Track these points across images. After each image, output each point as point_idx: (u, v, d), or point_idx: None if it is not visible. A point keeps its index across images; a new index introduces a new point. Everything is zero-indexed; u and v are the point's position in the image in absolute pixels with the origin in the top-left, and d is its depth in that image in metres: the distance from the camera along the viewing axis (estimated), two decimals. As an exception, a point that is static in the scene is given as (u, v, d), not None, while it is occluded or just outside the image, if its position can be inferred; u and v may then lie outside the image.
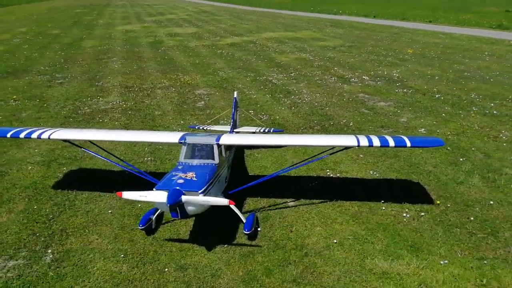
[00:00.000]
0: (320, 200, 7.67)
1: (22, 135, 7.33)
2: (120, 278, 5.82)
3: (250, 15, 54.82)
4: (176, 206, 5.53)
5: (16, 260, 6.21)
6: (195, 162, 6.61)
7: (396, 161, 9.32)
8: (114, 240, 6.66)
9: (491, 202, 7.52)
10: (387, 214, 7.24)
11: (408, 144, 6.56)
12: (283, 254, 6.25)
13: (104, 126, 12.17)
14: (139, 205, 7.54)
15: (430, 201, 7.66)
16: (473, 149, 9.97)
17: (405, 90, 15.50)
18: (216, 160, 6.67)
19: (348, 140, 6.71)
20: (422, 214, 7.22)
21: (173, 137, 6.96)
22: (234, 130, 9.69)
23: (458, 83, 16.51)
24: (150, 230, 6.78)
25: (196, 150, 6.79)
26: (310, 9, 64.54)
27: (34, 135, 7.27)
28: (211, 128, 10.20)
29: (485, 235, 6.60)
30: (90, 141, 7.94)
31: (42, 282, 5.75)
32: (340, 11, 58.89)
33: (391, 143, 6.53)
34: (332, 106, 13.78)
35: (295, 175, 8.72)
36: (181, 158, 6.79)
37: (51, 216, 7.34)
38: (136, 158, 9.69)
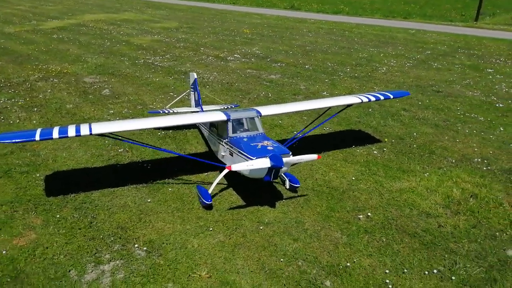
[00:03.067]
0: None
1: (55, 135, 6.36)
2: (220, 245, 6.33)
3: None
4: (278, 168, 6.36)
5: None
6: (246, 134, 7.31)
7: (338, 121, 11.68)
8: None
9: (415, 134, 10.71)
10: (363, 154, 9.51)
11: (391, 96, 8.91)
12: (330, 195, 7.75)
13: (19, 128, 10.50)
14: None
15: (379, 140, 10.33)
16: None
17: (279, 64, 18.07)
18: (262, 130, 7.52)
19: (352, 99, 8.57)
20: (384, 149, 9.80)
21: (219, 116, 7.38)
22: (204, 109, 10.22)
23: (308, 55, 20.11)
24: (211, 206, 7.21)
25: (244, 124, 7.45)
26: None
27: (71, 133, 6.43)
28: (176, 110, 10.34)
29: (427, 153, 9.63)
30: (113, 134, 7.29)
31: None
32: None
33: (381, 97, 8.72)
34: (238, 82, 15.18)
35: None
36: (230, 133, 7.35)
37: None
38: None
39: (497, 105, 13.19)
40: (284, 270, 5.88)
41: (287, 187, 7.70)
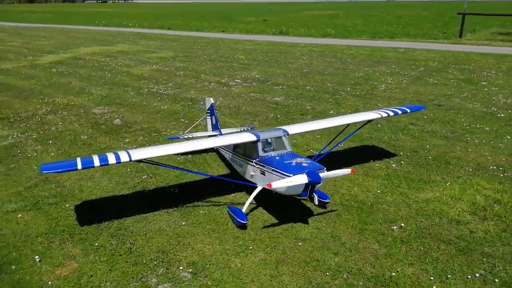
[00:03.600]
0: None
1: (96, 163, 6.47)
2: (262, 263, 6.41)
3: (33, 31, 49.04)
4: (315, 184, 6.54)
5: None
6: (276, 153, 7.51)
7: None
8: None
9: (427, 146, 11.02)
10: (382, 168, 9.75)
11: (408, 111, 9.26)
12: (359, 209, 7.91)
13: (38, 161, 10.52)
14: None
15: (394, 154, 10.60)
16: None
17: (280, 87, 18.47)
18: (290, 148, 7.73)
19: (372, 115, 8.87)
20: (402, 162, 10.05)
21: (249, 137, 7.59)
22: (222, 132, 10.42)
23: (307, 77, 20.61)
24: (246, 225, 7.30)
25: (273, 144, 7.66)
26: (95, 23, 61.88)
27: (112, 160, 6.55)
28: (195, 135, 10.52)
29: (444, 164, 9.91)
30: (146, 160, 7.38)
31: None
32: (130, 24, 58.88)
33: (399, 112, 9.05)
34: (245, 106, 15.46)
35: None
36: (260, 153, 7.54)
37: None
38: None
39: (498, 115, 13.66)
40: (331, 283, 5.97)
41: (316, 203, 7.81)
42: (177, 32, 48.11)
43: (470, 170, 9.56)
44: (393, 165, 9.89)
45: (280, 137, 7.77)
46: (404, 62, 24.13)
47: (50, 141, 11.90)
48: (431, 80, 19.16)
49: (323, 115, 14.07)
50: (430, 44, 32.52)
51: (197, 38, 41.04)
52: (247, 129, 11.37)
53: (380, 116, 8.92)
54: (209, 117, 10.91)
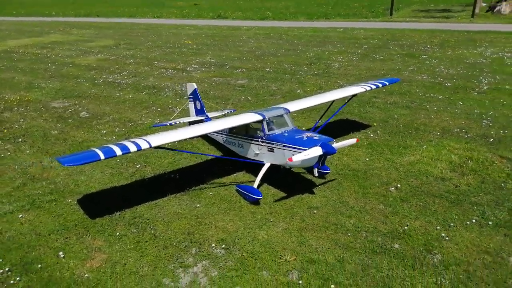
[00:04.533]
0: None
1: (118, 152, 6.36)
2: (287, 232, 6.86)
3: None
4: (329, 154, 7.05)
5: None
6: (282, 130, 7.87)
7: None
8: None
9: (395, 116, 12.02)
10: (363, 138, 10.50)
11: (387, 83, 10.04)
12: (355, 176, 8.58)
13: (15, 160, 9.93)
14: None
15: (368, 125, 11.46)
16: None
17: (240, 70, 18.71)
18: (293, 125, 8.14)
19: (358, 89, 9.52)
20: (378, 132, 10.92)
21: (254, 117, 7.85)
22: (209, 116, 10.54)
23: (262, 59, 21.03)
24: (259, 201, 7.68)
25: (277, 121, 7.99)
26: (13, 13, 56.77)
27: (133, 148, 6.48)
28: (182, 121, 10.51)
29: (414, 130, 10.93)
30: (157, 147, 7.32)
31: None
32: (54, 13, 54.89)
33: (379, 85, 9.81)
34: (212, 90, 15.53)
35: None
36: (266, 131, 7.86)
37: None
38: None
39: (445, 84, 15.14)
40: (355, 242, 6.57)
41: (316, 175, 8.34)
42: (108, 19, 45.88)
43: (438, 133, 10.68)
44: (371, 135, 10.73)
45: (282, 115, 8.16)
46: (347, 41, 25.42)
47: (19, 139, 11.21)
48: (377, 56, 20.52)
49: (291, 94, 14.63)
50: (365, 23, 34.38)
51: (133, 24, 39.58)
52: (231, 112, 11.61)
53: (365, 90, 9.64)
54: (192, 102, 10.94)
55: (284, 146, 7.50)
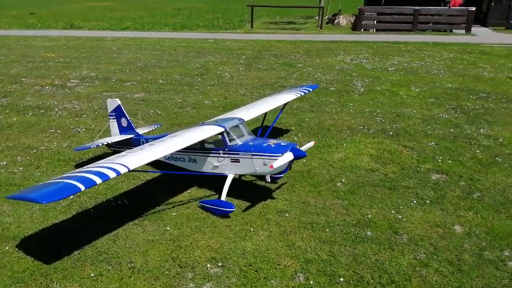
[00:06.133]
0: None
1: (98, 181, 5.47)
2: (272, 238, 7.05)
3: None
4: (299, 158, 7.44)
5: None
6: (244, 139, 7.93)
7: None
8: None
9: (306, 119, 13.07)
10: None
11: (311, 90, 10.83)
12: (302, 177, 9.16)
13: None
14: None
15: (287, 130, 12.24)
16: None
17: (130, 83, 17.65)
18: (251, 134, 8.29)
19: (290, 96, 10.08)
20: (299, 134, 11.78)
21: (217, 129, 7.70)
22: (139, 132, 9.87)
23: (148, 71, 20.14)
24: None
25: (236, 131, 7.98)
26: None
27: (112, 174, 5.66)
28: (111, 141, 9.57)
29: (327, 131, 12.11)
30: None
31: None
32: None
33: (306, 91, 10.54)
34: (111, 106, 14.34)
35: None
36: (228, 142, 7.82)
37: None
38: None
39: (330, 89, 17.04)
40: (335, 236, 7.10)
41: (268, 180, 8.64)
42: None
43: (348, 132, 12.09)
44: (295, 138, 11.55)
45: (238, 125, 8.23)
46: (224, 52, 26.23)
47: None
48: (259, 66, 21.77)
49: (201, 105, 14.57)
50: (231, 35, 35.85)
51: (-35, 36, 33.37)
52: (158, 126, 11.08)
53: (296, 97, 10.35)
54: (114, 120, 10.07)
55: (252, 155, 7.62)
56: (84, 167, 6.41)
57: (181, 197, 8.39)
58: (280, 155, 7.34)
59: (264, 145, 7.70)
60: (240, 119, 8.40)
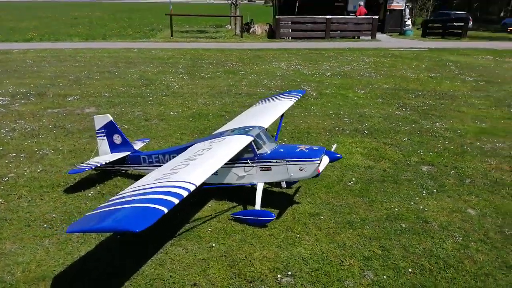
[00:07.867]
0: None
1: (175, 201, 4.87)
2: (322, 241, 7.08)
3: None
4: (334, 161, 7.57)
5: None
6: (271, 147, 7.79)
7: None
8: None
9: (282, 124, 13.22)
10: (279, 147, 11.30)
11: (301, 95, 10.93)
12: (310, 180, 9.28)
13: None
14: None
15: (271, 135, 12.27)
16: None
17: (74, 98, 16.06)
18: (274, 141, 8.19)
19: (291, 101, 10.08)
20: (285, 139, 11.89)
21: (246, 138, 7.46)
22: (135, 147, 9.11)
23: (87, 84, 18.49)
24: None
25: (262, 140, 7.78)
26: None
27: (184, 193, 5.08)
28: (107, 160, 8.61)
29: (307, 133, 12.43)
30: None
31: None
32: None
33: (298, 96, 10.63)
34: (66, 123, 12.87)
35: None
36: (256, 151, 7.63)
37: None
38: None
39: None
40: (378, 232, 7.37)
41: (284, 186, 8.66)
42: None
43: (327, 133, 12.57)
44: (285, 140, 11.67)
45: (259, 133, 8.06)
46: (156, 61, 25.22)
47: None
48: (202, 74, 21.41)
49: (166, 117, 13.86)
50: (154, 43, 34.66)
51: None
52: (147, 141, 10.33)
53: (295, 100, 10.44)
54: (103, 138, 9.14)
55: (287, 161, 7.54)
56: (137, 189, 5.72)
57: (205, 212, 7.95)
58: (318, 159, 7.41)
59: (297, 150, 7.68)
60: (260, 127, 8.26)
